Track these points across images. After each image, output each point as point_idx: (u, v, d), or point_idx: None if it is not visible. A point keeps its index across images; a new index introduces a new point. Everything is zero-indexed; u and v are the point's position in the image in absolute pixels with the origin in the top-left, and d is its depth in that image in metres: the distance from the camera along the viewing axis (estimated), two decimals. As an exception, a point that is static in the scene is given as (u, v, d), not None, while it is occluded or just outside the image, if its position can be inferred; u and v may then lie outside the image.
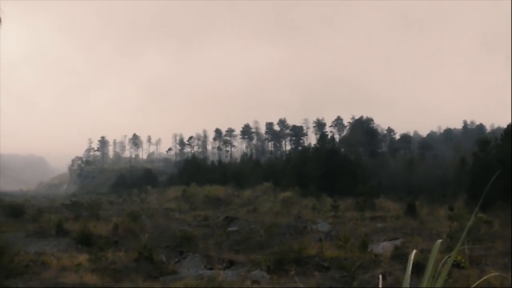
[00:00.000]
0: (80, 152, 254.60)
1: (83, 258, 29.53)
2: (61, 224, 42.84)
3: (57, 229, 41.98)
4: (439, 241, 2.24)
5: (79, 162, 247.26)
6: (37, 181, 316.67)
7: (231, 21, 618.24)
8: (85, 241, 36.13)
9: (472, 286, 2.48)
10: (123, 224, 44.60)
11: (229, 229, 45.53)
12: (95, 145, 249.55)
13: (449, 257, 2.11)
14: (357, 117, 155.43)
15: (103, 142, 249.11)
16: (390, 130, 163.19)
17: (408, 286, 2.11)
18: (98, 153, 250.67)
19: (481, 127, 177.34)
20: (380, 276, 3.22)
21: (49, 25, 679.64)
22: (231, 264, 30.43)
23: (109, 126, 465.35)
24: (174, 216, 60.56)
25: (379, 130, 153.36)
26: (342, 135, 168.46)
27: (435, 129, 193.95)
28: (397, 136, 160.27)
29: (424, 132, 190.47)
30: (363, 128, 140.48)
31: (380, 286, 2.76)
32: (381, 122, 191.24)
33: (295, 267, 25.23)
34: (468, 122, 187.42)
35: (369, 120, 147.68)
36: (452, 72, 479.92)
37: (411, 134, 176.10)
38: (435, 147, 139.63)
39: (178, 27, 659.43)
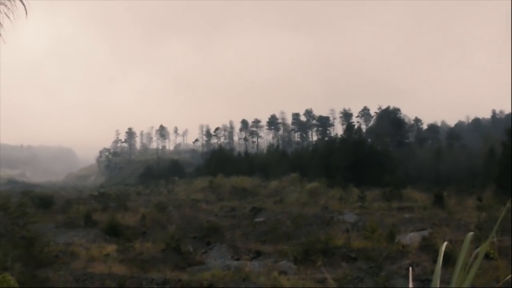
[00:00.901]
0: (108, 143, 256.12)
1: (111, 248, 29.76)
2: (89, 215, 43.23)
3: (85, 220, 42.38)
4: (470, 233, 2.20)
5: (107, 153, 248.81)
6: (66, 172, 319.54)
7: (254, 11, 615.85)
8: (113, 231, 36.42)
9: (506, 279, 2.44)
10: (150, 215, 44.89)
11: (256, 219, 45.56)
12: (123, 136, 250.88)
13: (480, 248, 2.08)
14: (384, 107, 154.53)
15: (130, 133, 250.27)
16: (417, 120, 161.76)
17: (439, 278, 2.09)
18: (125, 145, 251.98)
19: (510, 116, 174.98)
20: (410, 268, 3.19)
21: (73, 17, 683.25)
22: (258, 254, 30.45)
23: (136, 118, 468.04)
24: (201, 207, 60.69)
25: (406, 120, 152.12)
26: (369, 125, 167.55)
27: (463, 119, 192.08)
28: (425, 126, 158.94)
29: (452, 122, 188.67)
30: (390, 118, 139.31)
31: (411, 277, 2.74)
32: (408, 112, 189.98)
33: (322, 258, 25.17)
34: (497, 112, 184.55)
35: (396, 110, 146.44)
36: (479, 60, 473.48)
37: (439, 124, 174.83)
38: (463, 137, 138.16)
39: (201, 18, 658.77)
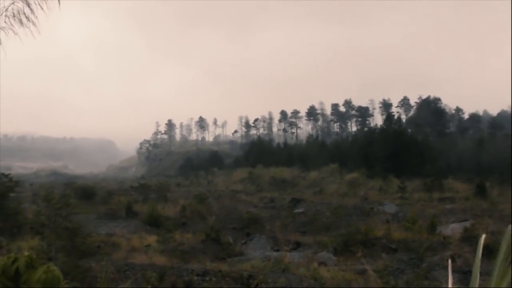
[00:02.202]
0: (148, 135, 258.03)
1: (151, 239, 30.07)
2: (130, 206, 43.74)
3: (126, 211, 42.91)
4: None
5: (147, 145, 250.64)
6: (107, 163, 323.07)
7: (287, 2, 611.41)
8: (154, 222, 36.80)
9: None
10: (190, 206, 45.14)
11: (295, 210, 45.57)
12: (162, 128, 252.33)
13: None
14: (424, 97, 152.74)
15: (170, 125, 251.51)
16: (458, 110, 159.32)
17: (479, 270, 2.07)
18: (165, 136, 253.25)
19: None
20: (449, 260, 3.17)
21: (109, 12, 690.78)
22: (297, 245, 30.49)
23: (175, 110, 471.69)
24: (241, 198, 60.86)
25: (447, 110, 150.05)
26: (409, 115, 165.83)
27: (505, 108, 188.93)
28: (466, 116, 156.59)
29: (494, 111, 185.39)
30: (430, 108, 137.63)
31: (450, 269, 2.72)
32: (449, 102, 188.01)
33: (362, 249, 25.08)
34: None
35: (437, 100, 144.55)
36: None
37: (481, 113, 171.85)
38: (506, 126, 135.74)
39: (235, 10, 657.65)
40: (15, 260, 2.81)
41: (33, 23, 4.03)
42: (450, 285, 2.32)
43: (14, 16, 4.03)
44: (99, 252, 23.92)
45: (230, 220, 40.07)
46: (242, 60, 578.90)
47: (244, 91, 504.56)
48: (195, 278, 19.28)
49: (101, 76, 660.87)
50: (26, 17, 4.01)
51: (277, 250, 28.48)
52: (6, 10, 4.02)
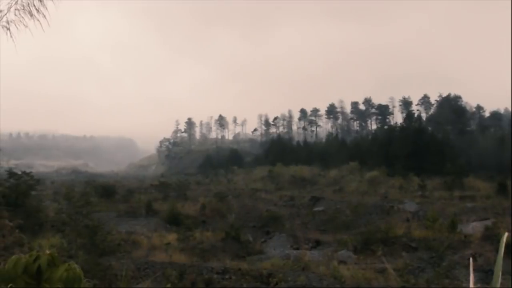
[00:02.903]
0: (168, 133, 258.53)
1: (171, 237, 30.16)
2: (150, 204, 43.94)
3: (146, 209, 43.11)
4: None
5: (167, 143, 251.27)
6: (127, 162, 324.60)
7: (299, 2, 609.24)
8: (174, 220, 36.92)
9: None
10: (210, 204, 45.27)
11: (315, 209, 45.54)
12: (182, 126, 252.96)
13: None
14: (444, 95, 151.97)
15: (189, 123, 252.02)
16: (479, 108, 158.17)
17: (501, 269, 2.06)
18: (185, 135, 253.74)
19: None
20: (471, 258, 3.15)
21: (125, 11, 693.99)
22: (317, 244, 30.48)
23: (195, 108, 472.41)
24: (260, 196, 60.91)
25: (468, 108, 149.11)
26: (429, 113, 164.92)
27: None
28: (487, 114, 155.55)
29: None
30: (451, 106, 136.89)
31: (471, 268, 2.70)
32: (470, 100, 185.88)
33: (382, 247, 25.01)
34: None
35: (457, 98, 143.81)
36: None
37: (502, 111, 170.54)
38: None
39: (252, 8, 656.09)
40: (37, 258, 2.83)
41: (43, 15, 4.07)
42: (471, 284, 2.31)
43: (24, 8, 4.07)
44: (120, 250, 24.01)
45: (250, 219, 40.14)
46: (260, 59, 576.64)
47: (264, 89, 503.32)
48: (215, 276, 19.33)
49: (119, 75, 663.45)
50: (36, 8, 4.05)
51: (297, 249, 28.50)
52: (16, 3, 4.06)
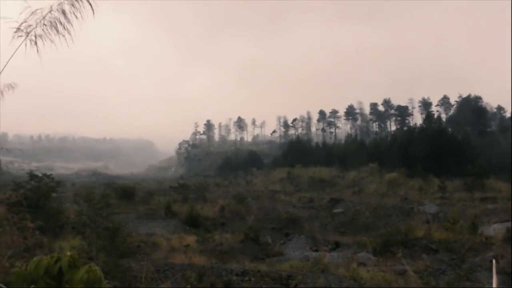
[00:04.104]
0: (187, 135, 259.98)
1: (191, 239, 30.21)
2: (169, 206, 44.08)
3: (166, 211, 43.26)
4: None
5: (186, 145, 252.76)
6: (147, 164, 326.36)
7: (313, 3, 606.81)
8: (193, 222, 37.00)
9: None
10: (229, 206, 45.32)
11: (334, 210, 45.46)
12: (201, 128, 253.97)
13: None
14: (464, 95, 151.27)
15: (208, 125, 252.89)
16: (500, 108, 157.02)
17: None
18: (204, 137, 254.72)
19: None
20: (494, 260, 3.13)
21: (137, 15, 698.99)
22: (336, 246, 30.38)
23: (214, 110, 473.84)
24: (279, 198, 60.97)
25: (488, 109, 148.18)
26: (449, 114, 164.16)
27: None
28: (508, 114, 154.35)
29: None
30: (471, 107, 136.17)
31: (495, 270, 2.69)
32: (490, 100, 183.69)
33: (402, 249, 24.83)
34: None
35: (477, 99, 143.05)
36: None
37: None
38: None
39: (266, 10, 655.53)
40: (58, 260, 2.85)
41: (68, 32, 4.27)
42: (494, 285, 2.30)
43: (51, 24, 4.27)
44: (139, 252, 24.11)
45: (269, 220, 40.14)
46: (275, 61, 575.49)
47: (282, 91, 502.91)
48: (234, 278, 19.33)
49: (136, 78, 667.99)
50: (62, 25, 4.25)
51: (316, 250, 28.41)
52: (44, 18, 4.26)
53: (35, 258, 2.91)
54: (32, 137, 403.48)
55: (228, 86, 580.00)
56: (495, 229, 30.73)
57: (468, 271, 19.71)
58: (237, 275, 19.79)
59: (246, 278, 19.54)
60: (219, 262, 23.43)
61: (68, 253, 2.89)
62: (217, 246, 27.85)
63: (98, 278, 2.87)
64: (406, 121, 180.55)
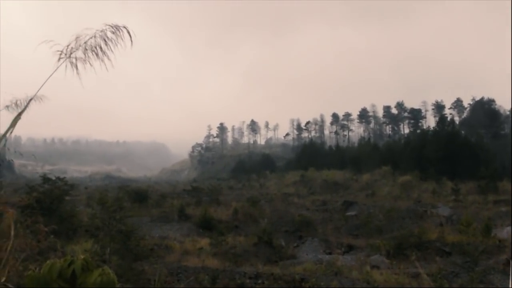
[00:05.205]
0: (200, 138, 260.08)
1: (204, 242, 30.27)
2: (183, 209, 44.12)
3: (179, 214, 43.27)
4: None
5: (199, 148, 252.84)
6: (160, 167, 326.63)
7: (321, 5, 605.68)
8: (206, 225, 37.06)
9: None
10: (242, 209, 45.32)
11: (348, 213, 45.38)
12: (214, 131, 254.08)
13: None
14: (477, 98, 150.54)
15: (222, 128, 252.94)
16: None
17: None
18: (217, 140, 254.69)
19: None
20: (511, 261, 3.14)
21: (145, 22, 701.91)
22: (350, 248, 30.35)
23: (227, 113, 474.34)
24: (293, 201, 60.94)
25: (502, 111, 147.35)
26: (462, 117, 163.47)
27: None
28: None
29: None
30: (484, 110, 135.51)
31: (511, 270, 2.70)
32: (504, 103, 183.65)
33: (415, 252, 24.78)
34: None
35: (491, 101, 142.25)
36: None
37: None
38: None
39: (273, 12, 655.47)
40: (71, 263, 2.88)
41: (108, 57, 4.48)
42: (510, 285, 2.31)
43: (92, 49, 4.46)
44: (153, 255, 24.14)
45: (282, 223, 40.12)
46: (288, 64, 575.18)
47: (295, 94, 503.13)
48: (248, 281, 19.35)
49: (148, 81, 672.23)
50: (102, 51, 4.45)
51: (330, 253, 28.43)
52: (85, 43, 4.45)
53: (48, 261, 2.95)
54: (45, 140, 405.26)
55: (241, 89, 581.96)
56: (508, 232, 30.59)
57: (481, 273, 19.67)
58: (250, 278, 19.82)
59: (260, 281, 19.56)
60: (233, 265, 23.47)
61: (82, 256, 2.92)
62: (230, 249, 27.86)
63: (112, 281, 2.91)
64: (419, 124, 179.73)
